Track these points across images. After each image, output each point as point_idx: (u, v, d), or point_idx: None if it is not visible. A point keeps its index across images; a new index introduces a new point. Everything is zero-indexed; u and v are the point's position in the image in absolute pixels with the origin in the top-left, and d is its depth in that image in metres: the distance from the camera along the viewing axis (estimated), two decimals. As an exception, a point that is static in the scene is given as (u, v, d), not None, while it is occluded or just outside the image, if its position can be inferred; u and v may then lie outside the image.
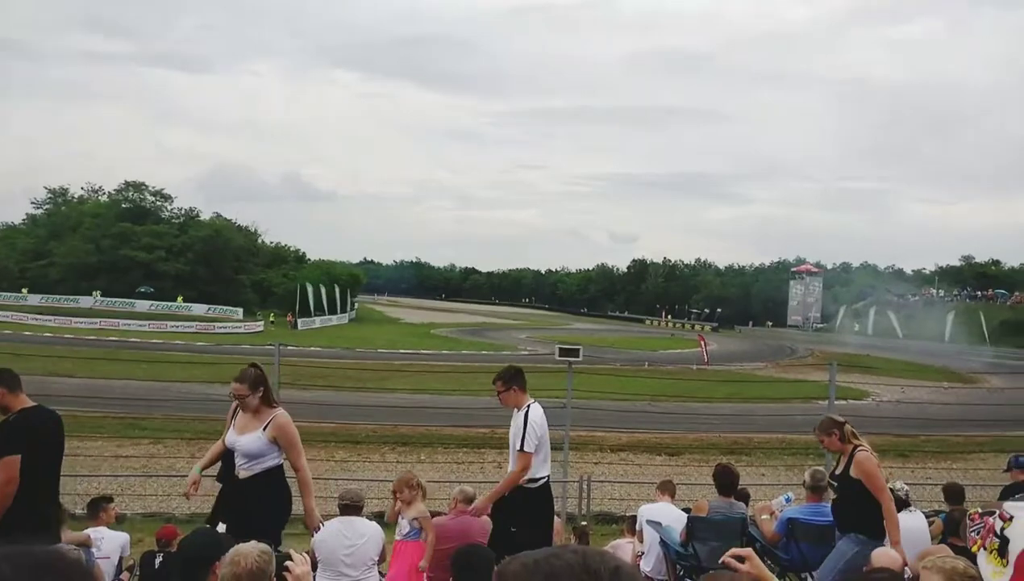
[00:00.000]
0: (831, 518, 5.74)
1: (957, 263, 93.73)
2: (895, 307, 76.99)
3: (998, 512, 1.03)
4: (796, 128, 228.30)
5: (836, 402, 11.19)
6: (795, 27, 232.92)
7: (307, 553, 4.95)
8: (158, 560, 6.00)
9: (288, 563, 3.43)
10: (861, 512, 4.94)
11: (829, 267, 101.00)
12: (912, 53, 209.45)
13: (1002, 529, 1.05)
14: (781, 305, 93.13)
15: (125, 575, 6.05)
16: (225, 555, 3.16)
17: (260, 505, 4.52)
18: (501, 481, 4.95)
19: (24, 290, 63.42)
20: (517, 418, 4.93)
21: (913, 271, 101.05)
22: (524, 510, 4.96)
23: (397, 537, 5.87)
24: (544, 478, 4.95)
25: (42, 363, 21.53)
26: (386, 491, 12.87)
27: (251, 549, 3.05)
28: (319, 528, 4.57)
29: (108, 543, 6.03)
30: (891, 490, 6.54)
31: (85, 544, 5.49)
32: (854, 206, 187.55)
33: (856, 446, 5.10)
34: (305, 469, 4.75)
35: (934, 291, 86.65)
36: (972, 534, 1.86)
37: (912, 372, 39.03)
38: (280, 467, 4.74)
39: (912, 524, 6.13)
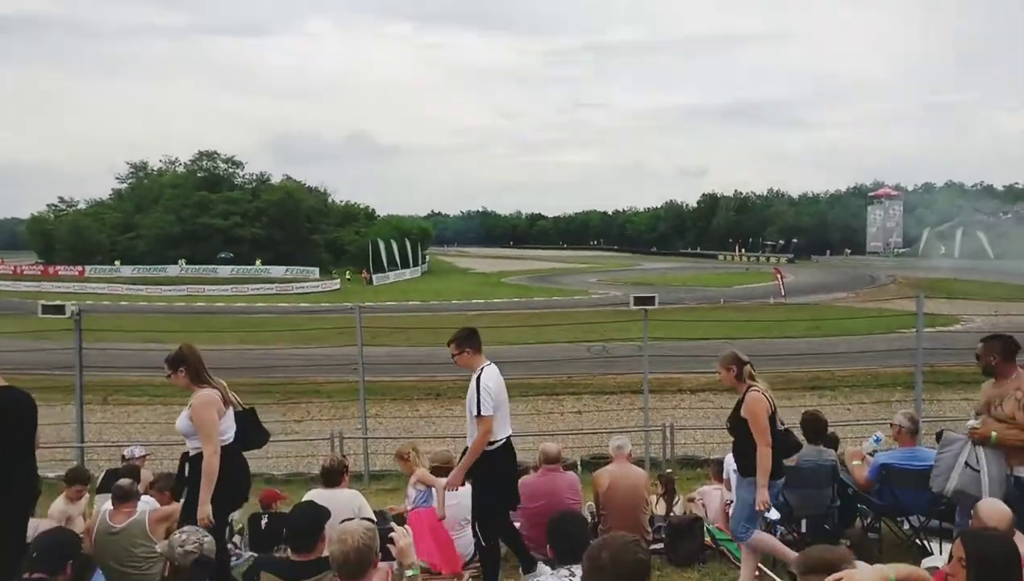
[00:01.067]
0: (928, 462, 5.57)
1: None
2: (984, 226, 72.78)
3: None
4: (866, 45, 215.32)
5: (924, 330, 10.70)
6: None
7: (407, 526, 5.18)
8: (264, 522, 6.34)
9: (392, 535, 3.60)
10: (753, 454, 4.80)
11: (910, 189, 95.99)
12: None
13: None
14: (860, 232, 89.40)
15: (236, 538, 6.42)
16: (333, 531, 3.34)
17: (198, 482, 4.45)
18: (468, 450, 4.81)
19: (116, 262, 66.97)
20: (471, 382, 4.85)
21: (1004, 187, 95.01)
22: (485, 472, 4.92)
23: (408, 508, 5.93)
24: (503, 439, 4.90)
25: (140, 334, 22.77)
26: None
27: (357, 526, 3.20)
28: (208, 524, 4.27)
29: (219, 508, 6.38)
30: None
31: (200, 511, 5.84)
32: (935, 123, 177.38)
33: (750, 387, 4.91)
34: (208, 458, 4.40)
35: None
36: None
37: (1007, 294, 37.02)
38: (228, 447, 4.60)
39: None
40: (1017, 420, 4.68)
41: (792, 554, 5.23)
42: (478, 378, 4.87)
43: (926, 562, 4.48)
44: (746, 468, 4.95)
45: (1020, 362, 4.97)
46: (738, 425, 4.97)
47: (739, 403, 5.01)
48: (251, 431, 4.92)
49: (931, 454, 5.79)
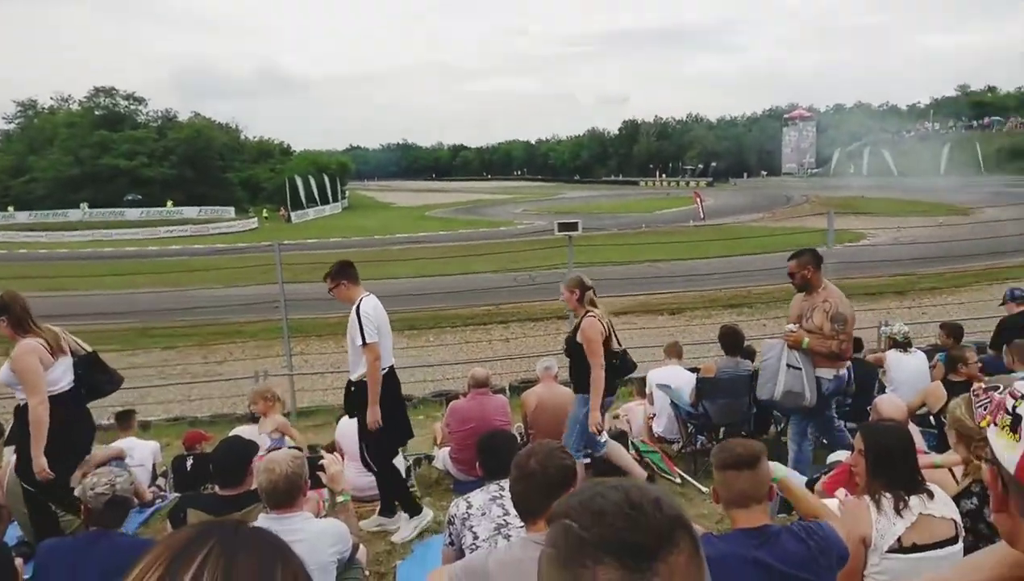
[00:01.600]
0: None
1: (953, 93, 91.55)
2: (890, 145, 76.00)
3: (1007, 389, 1.04)
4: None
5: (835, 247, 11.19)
6: None
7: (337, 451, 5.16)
8: (189, 463, 6.24)
9: (322, 462, 3.57)
10: (588, 375, 5.07)
11: (822, 110, 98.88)
12: None
13: (1014, 407, 1.05)
14: (775, 154, 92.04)
15: (161, 480, 6.31)
16: (259, 463, 3.29)
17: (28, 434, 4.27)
18: (369, 385, 4.76)
19: (10, 208, 62.58)
20: (351, 313, 4.84)
21: (908, 107, 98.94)
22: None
23: (260, 454, 5.87)
24: (386, 368, 4.89)
25: (43, 282, 21.55)
26: (402, 376, 13.26)
27: (284, 455, 3.17)
28: (46, 477, 4.16)
29: (140, 452, 6.25)
30: (891, 336, 6.70)
31: (119, 456, 5.69)
32: (846, 45, 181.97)
33: (588, 311, 5.14)
34: (34, 408, 4.18)
35: (929, 125, 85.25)
36: (979, 410, 1.88)
37: (908, 210, 39.10)
38: (64, 396, 4.39)
39: (912, 365, 6.34)
40: (824, 330, 5.02)
41: (640, 471, 5.54)
42: (357, 307, 4.80)
43: (831, 457, 4.77)
44: (582, 386, 5.14)
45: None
46: (575, 347, 5.14)
47: (576, 326, 5.18)
48: (95, 378, 4.65)
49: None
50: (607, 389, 5.13)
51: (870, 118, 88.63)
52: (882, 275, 20.76)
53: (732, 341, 6.23)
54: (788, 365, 5.03)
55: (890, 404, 4.25)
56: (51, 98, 77.43)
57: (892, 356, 6.45)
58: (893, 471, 2.71)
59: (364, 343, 4.70)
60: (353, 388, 4.94)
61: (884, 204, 43.64)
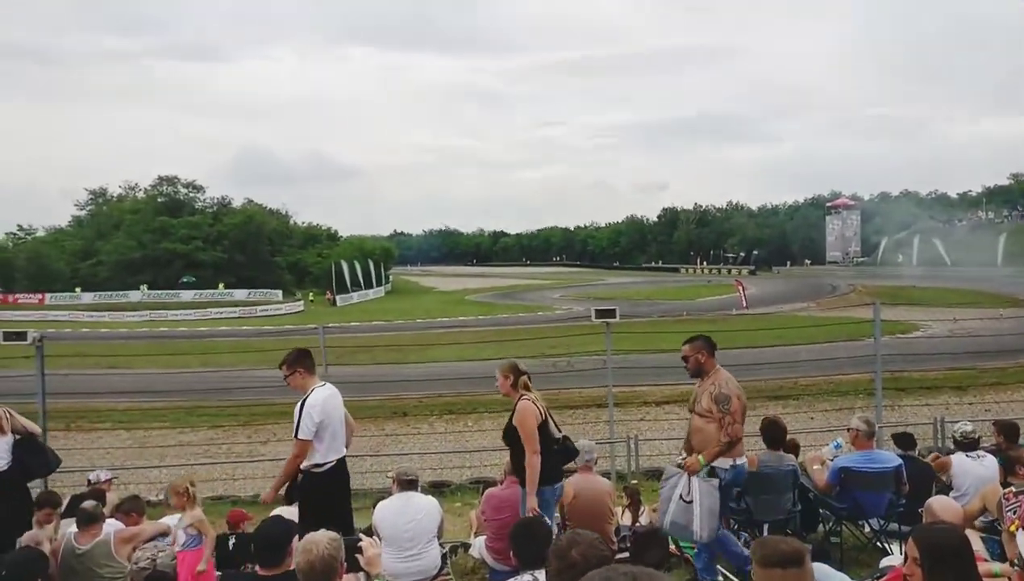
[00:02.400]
0: (885, 465, 5.73)
1: (1006, 182, 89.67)
2: (941, 234, 74.79)
3: None
4: (818, 58, 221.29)
5: (884, 338, 10.99)
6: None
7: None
8: (231, 542, 6.28)
9: (360, 544, 3.62)
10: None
11: (866, 199, 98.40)
12: None
13: None
14: (819, 242, 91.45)
15: (202, 560, 6.34)
16: (298, 543, 3.35)
17: None
18: (282, 471, 4.89)
19: (77, 289, 65.56)
20: (297, 404, 4.91)
21: (958, 195, 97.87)
22: (313, 495, 4.95)
23: (176, 549, 5.61)
24: (330, 462, 4.90)
25: (101, 360, 22.30)
26: (439, 461, 13.22)
27: (322, 537, 3.22)
28: None
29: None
30: (955, 435, 6.34)
31: (165, 533, 5.78)
32: (888, 133, 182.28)
33: (522, 396, 5.07)
34: None
35: (982, 214, 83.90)
36: (1009, 513, 1.83)
37: (963, 301, 38.09)
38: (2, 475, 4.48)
39: (979, 471, 5.77)
40: (713, 413, 4.92)
41: None
42: (302, 402, 4.87)
43: (884, 562, 4.59)
44: (519, 476, 5.06)
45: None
46: (513, 435, 5.07)
47: (512, 412, 5.13)
48: (27, 460, 4.77)
49: (889, 456, 5.95)
50: (552, 476, 5.04)
51: (918, 206, 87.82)
52: (938, 369, 20.13)
53: (773, 434, 6.10)
54: (680, 496, 4.92)
55: (945, 505, 4.05)
56: (120, 186, 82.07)
57: (957, 460, 5.93)
58: (950, 579, 2.59)
59: (296, 437, 4.80)
60: (301, 476, 4.96)
61: (937, 295, 42.63)
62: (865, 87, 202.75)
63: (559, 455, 5.23)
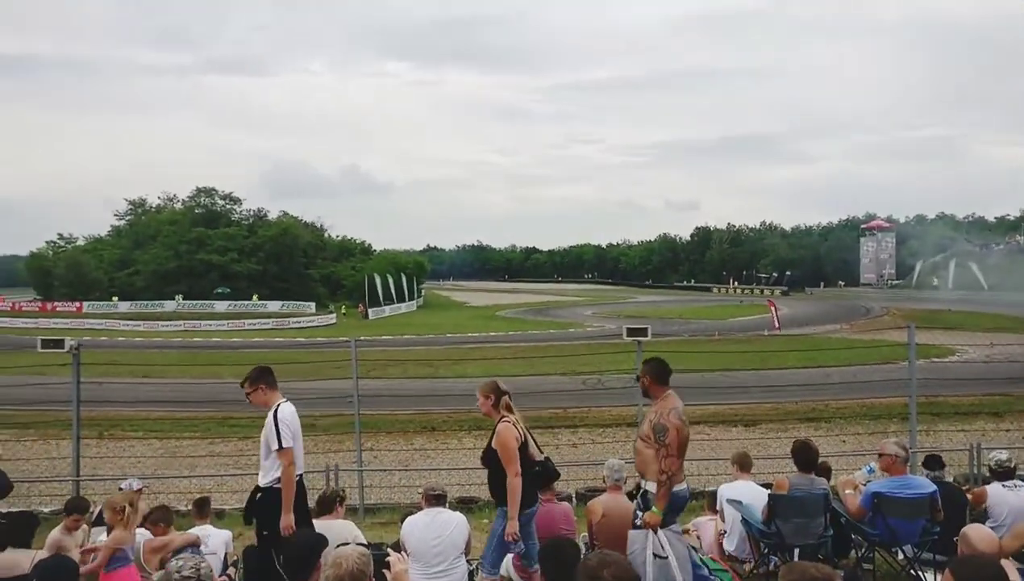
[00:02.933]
0: (920, 491, 5.62)
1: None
2: (977, 258, 73.34)
3: None
4: (854, 79, 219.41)
5: (918, 362, 10.80)
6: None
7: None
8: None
9: (388, 559, 3.64)
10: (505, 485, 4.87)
11: (902, 221, 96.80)
12: None
13: None
14: (853, 264, 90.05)
15: (231, 570, 6.42)
16: (327, 556, 3.39)
17: None
18: (283, 490, 4.79)
19: (114, 298, 67.03)
20: (268, 418, 4.88)
21: (996, 218, 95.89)
22: (276, 512, 4.89)
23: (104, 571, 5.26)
24: (297, 476, 4.88)
25: (136, 369, 22.74)
26: (467, 476, 13.21)
27: (351, 551, 3.25)
28: None
29: (214, 540, 6.40)
30: (991, 463, 6.19)
31: (195, 544, 5.86)
32: (925, 155, 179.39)
33: (502, 417, 5.00)
34: None
35: (1020, 238, 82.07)
36: None
37: (1000, 326, 37.22)
38: None
39: (1016, 502, 5.62)
40: (651, 440, 4.81)
41: None
42: (275, 412, 4.89)
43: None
44: (501, 498, 5.00)
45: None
46: (492, 457, 5.03)
47: (492, 434, 5.09)
48: None
49: (923, 482, 5.83)
50: (528, 499, 5.00)
51: (954, 230, 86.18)
52: (974, 395, 19.69)
53: (805, 457, 6.01)
54: (655, 555, 4.77)
55: (981, 534, 3.98)
56: (158, 197, 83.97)
57: (993, 490, 5.77)
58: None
59: (280, 448, 4.78)
60: (260, 495, 4.94)
61: (974, 319, 41.71)
62: (902, 109, 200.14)
63: (538, 478, 5.20)
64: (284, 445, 4.80)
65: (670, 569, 4.70)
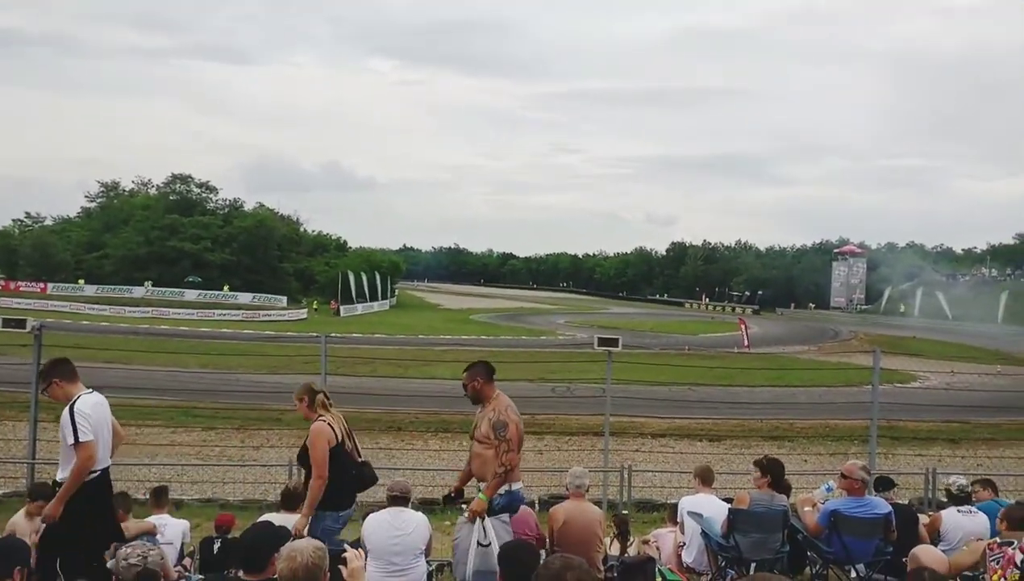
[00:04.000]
0: (876, 511, 5.73)
1: (1011, 241, 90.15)
2: (944, 288, 74.91)
3: (1018, 544, 1.07)
4: (835, 106, 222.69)
5: (881, 387, 11.03)
6: (834, 1, 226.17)
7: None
8: (216, 546, 6.27)
9: (345, 555, 3.61)
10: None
11: (873, 247, 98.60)
12: (954, 25, 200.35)
13: (1023, 562, 1.11)
14: (824, 287, 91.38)
15: (187, 560, 6.34)
16: (282, 549, 3.35)
17: None
18: (69, 478, 4.56)
19: (80, 281, 65.72)
20: (64, 411, 4.72)
21: (963, 250, 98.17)
22: (78, 505, 4.65)
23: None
24: (97, 472, 4.72)
25: (99, 354, 22.29)
26: (431, 478, 13.16)
27: (306, 545, 3.22)
28: None
29: (171, 530, 6.32)
30: (948, 488, 6.34)
31: (150, 532, 5.78)
32: (899, 185, 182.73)
33: (319, 416, 5.09)
34: None
35: (986, 271, 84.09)
36: (992, 563, 1.84)
37: (962, 355, 38.04)
38: None
39: (971, 527, 5.71)
40: (491, 439, 4.93)
41: None
42: (72, 405, 4.70)
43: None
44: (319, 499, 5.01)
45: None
46: (305, 456, 5.08)
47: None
48: None
49: (880, 503, 5.94)
50: (342, 503, 5.04)
51: (923, 259, 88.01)
52: (933, 421, 20.10)
53: (774, 472, 6.09)
54: (478, 543, 4.88)
55: (930, 555, 4.06)
56: (132, 181, 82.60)
57: (948, 516, 5.88)
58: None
59: (76, 442, 4.56)
60: (57, 490, 4.75)
61: (937, 347, 42.60)
62: (880, 138, 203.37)
63: (354, 481, 5.19)
64: (82, 439, 4.57)
65: (492, 558, 4.72)
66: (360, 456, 5.34)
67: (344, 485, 5.05)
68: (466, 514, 4.98)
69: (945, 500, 6.46)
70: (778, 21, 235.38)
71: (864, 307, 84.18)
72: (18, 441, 10.38)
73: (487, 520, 4.86)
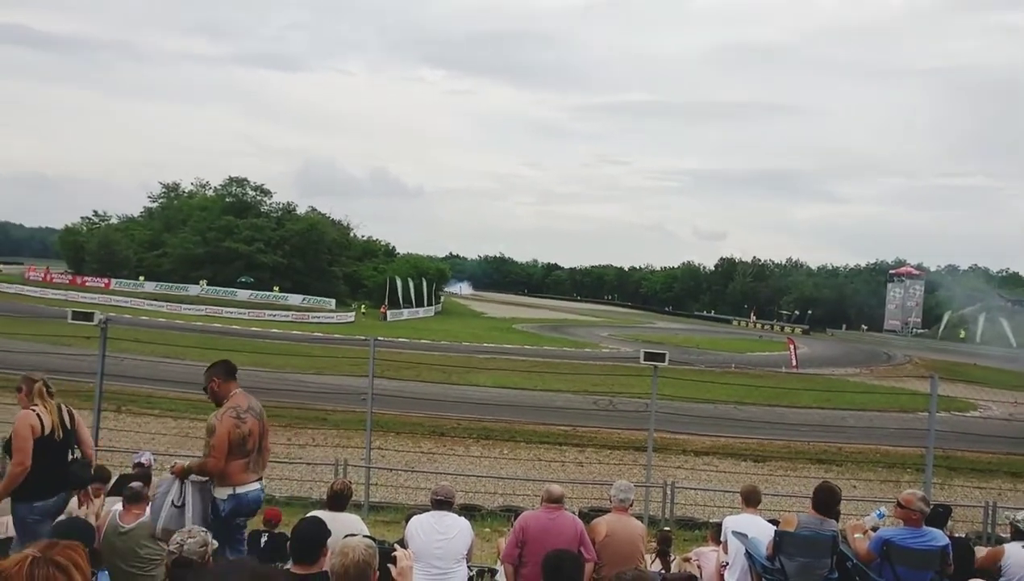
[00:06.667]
0: (932, 543, 5.55)
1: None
2: (1008, 314, 72.05)
3: None
4: (892, 123, 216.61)
5: (938, 414, 10.69)
6: (889, 15, 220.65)
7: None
8: (264, 539, 6.43)
9: (395, 554, 3.68)
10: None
11: (932, 269, 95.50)
12: (1017, 39, 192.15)
13: None
14: (878, 309, 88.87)
15: (235, 553, 6.49)
16: (334, 544, 3.44)
17: None
18: None
19: (141, 278, 68.08)
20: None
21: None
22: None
23: None
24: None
25: (156, 348, 23.04)
26: (472, 484, 13.23)
27: (359, 542, 3.30)
28: None
29: (219, 523, 6.49)
30: (1014, 523, 6.09)
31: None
32: (959, 205, 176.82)
33: (32, 406, 5.01)
34: None
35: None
36: None
37: (1025, 385, 36.48)
38: None
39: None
40: (212, 443, 4.96)
41: None
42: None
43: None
44: (20, 489, 4.97)
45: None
46: (10, 444, 5.06)
47: None
48: None
49: (937, 534, 5.74)
50: (43, 493, 4.98)
51: (987, 283, 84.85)
52: (993, 452, 19.37)
53: (827, 499, 5.91)
54: (172, 502, 4.94)
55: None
56: (191, 183, 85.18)
57: (1012, 550, 5.66)
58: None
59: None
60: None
61: (1000, 375, 40.96)
62: (940, 156, 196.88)
63: (56, 475, 5.10)
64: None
65: (183, 519, 4.85)
66: (86, 454, 5.30)
67: (44, 477, 5.00)
68: (171, 471, 5.11)
69: (1007, 536, 6.21)
70: (826, 37, 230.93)
71: (920, 331, 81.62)
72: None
73: (187, 484, 4.98)
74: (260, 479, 5.25)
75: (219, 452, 4.96)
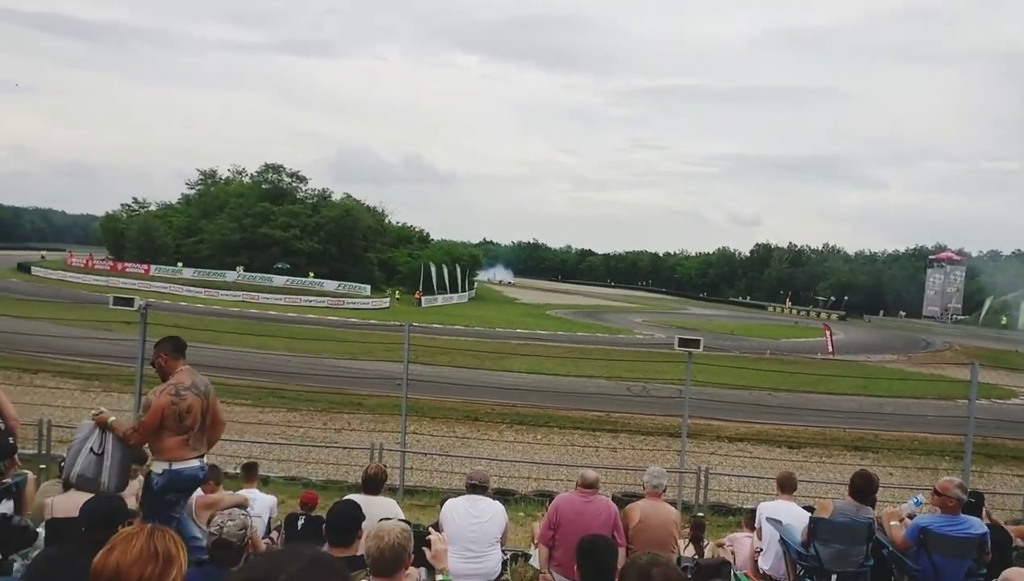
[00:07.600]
0: (971, 531, 5.49)
1: None
2: (1053, 300, 70.06)
3: None
4: (932, 108, 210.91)
5: (978, 401, 10.48)
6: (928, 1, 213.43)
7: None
8: (300, 522, 6.57)
9: (429, 537, 3.75)
10: None
11: (974, 255, 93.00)
12: None
13: None
14: (916, 295, 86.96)
15: (274, 534, 6.66)
16: (369, 528, 3.51)
17: None
18: None
19: (179, 264, 69.45)
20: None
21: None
22: None
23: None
24: None
25: (194, 334, 23.53)
26: (506, 468, 13.33)
27: (394, 526, 3.36)
28: None
29: (260, 504, 6.67)
30: None
31: (242, 504, 6.10)
32: (1002, 189, 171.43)
33: None
34: None
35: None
36: None
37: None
38: None
39: None
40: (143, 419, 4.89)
41: None
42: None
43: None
44: None
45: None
46: None
47: None
48: None
49: (975, 522, 5.69)
50: None
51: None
52: (1035, 442, 18.93)
53: (864, 486, 5.87)
54: (91, 449, 4.89)
55: (1020, 575, 3.90)
56: (228, 170, 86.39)
57: None
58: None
59: None
60: None
61: (1042, 362, 39.92)
62: (982, 140, 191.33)
63: None
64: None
65: (101, 467, 4.87)
66: (9, 425, 5.15)
67: None
68: (94, 418, 5.04)
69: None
70: (868, 21, 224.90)
71: (960, 317, 79.74)
72: (123, 411, 11.09)
73: (107, 433, 4.96)
74: (201, 456, 5.15)
75: (145, 429, 4.89)
